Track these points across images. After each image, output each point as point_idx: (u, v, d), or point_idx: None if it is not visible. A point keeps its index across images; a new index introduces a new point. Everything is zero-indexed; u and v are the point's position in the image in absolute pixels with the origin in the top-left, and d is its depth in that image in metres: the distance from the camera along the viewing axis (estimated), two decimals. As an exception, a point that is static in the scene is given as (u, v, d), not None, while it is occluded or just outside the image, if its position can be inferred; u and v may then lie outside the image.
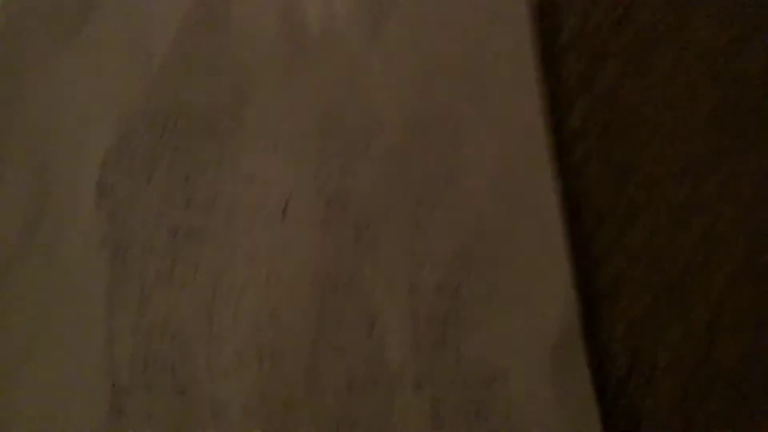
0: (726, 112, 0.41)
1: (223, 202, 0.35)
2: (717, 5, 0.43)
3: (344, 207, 0.36)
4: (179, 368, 0.31)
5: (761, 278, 0.37)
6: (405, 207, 0.36)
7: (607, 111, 0.40)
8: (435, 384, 0.33)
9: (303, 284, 0.34)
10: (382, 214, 0.36)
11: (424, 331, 0.34)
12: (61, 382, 0.31)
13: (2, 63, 0.37)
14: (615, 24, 0.43)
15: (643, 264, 0.37)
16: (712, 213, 0.39)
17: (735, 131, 0.40)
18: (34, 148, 0.34)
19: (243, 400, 0.31)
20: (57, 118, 0.35)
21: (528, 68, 0.39)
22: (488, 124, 0.38)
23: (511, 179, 0.37)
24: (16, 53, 0.37)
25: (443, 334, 0.34)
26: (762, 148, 0.40)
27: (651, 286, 0.37)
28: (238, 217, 0.35)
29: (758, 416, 0.34)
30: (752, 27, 0.42)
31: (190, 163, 0.35)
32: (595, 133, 0.40)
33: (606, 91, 0.41)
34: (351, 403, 0.32)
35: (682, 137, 0.40)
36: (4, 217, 0.33)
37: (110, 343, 0.31)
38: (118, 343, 0.31)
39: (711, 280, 0.37)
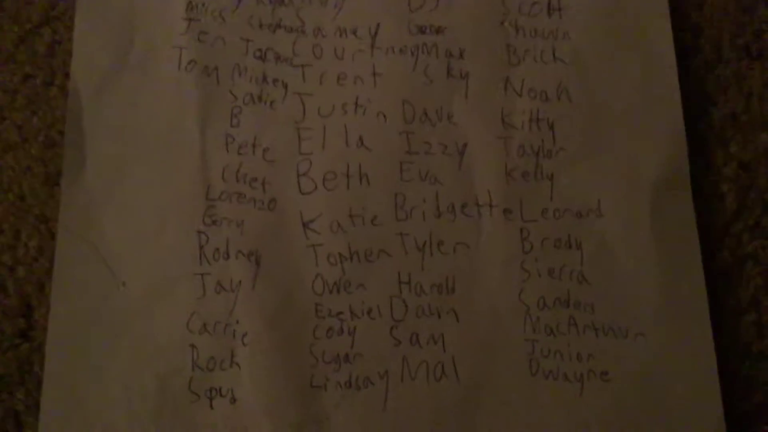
0: None
1: (311, 26, 0.34)
2: None
3: (436, 34, 0.34)
4: (269, 182, 0.32)
5: None
6: (501, 35, 0.34)
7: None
8: (524, 212, 0.32)
9: (392, 112, 0.33)
10: (475, 42, 0.34)
11: (516, 161, 0.33)
12: (158, 192, 0.32)
13: None
14: None
15: (763, 103, 0.34)
16: None
17: None
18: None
19: (331, 215, 0.32)
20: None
21: None
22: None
23: (619, 8, 0.34)
24: None
25: (536, 165, 0.33)
26: None
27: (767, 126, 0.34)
28: (326, 42, 0.34)
29: None
30: None
31: (278, -13, 0.35)
32: (717, -37, 0.36)
33: None
34: (438, 225, 0.32)
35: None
36: (98, 40, 0.33)
37: (203, 157, 0.32)
38: (211, 157, 0.32)
39: (840, 124, 0.34)
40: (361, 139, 0.33)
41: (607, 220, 0.32)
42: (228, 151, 0.32)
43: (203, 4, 0.34)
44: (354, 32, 0.34)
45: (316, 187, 0.32)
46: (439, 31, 0.34)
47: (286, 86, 0.33)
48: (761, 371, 0.31)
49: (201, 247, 0.31)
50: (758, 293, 0.32)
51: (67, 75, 0.33)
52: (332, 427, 0.29)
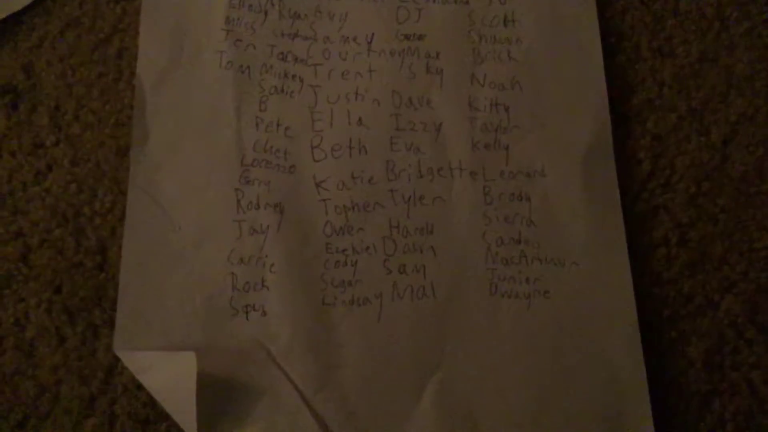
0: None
1: (321, 35, 0.44)
2: None
3: (418, 40, 0.44)
4: (290, 152, 0.41)
5: (778, 106, 0.43)
6: (468, 41, 0.44)
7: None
8: (486, 174, 0.41)
9: (384, 99, 0.43)
10: (448, 46, 0.44)
11: (480, 136, 0.42)
12: (204, 159, 0.41)
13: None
14: None
15: (672, 91, 0.44)
16: (735, 57, 0.44)
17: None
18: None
19: (337, 177, 0.41)
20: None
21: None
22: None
23: (559, 20, 0.44)
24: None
25: (495, 138, 0.42)
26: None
27: (676, 109, 0.43)
28: (333, 47, 0.44)
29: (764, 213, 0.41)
30: None
31: (296, 6, 0.44)
32: (637, -15, 0.46)
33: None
34: (420, 184, 0.41)
35: (716, -12, 0.46)
36: (157, 45, 0.43)
37: (239, 133, 0.41)
38: (245, 134, 0.41)
39: (730, 108, 0.43)
40: (360, 119, 0.42)
41: (549, 180, 0.41)
42: (258, 129, 0.42)
43: (238, 18, 0.43)
44: (354, 39, 0.44)
45: (326, 156, 0.41)
46: (420, 38, 0.44)
47: (302, 80, 0.43)
48: (669, 293, 0.40)
49: (238, 201, 0.40)
50: (668, 233, 0.41)
51: (132, 73, 0.43)
52: (338, 334, 0.38)
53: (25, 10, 0.44)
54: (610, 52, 0.44)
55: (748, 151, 0.42)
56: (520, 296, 0.39)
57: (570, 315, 0.39)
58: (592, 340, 0.38)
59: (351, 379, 0.38)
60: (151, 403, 0.37)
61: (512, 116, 0.42)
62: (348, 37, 0.44)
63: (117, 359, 0.38)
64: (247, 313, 0.38)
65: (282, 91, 0.43)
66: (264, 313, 0.38)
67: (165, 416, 0.37)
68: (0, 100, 0.43)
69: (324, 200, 0.41)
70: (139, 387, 0.37)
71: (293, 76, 0.43)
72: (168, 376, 0.36)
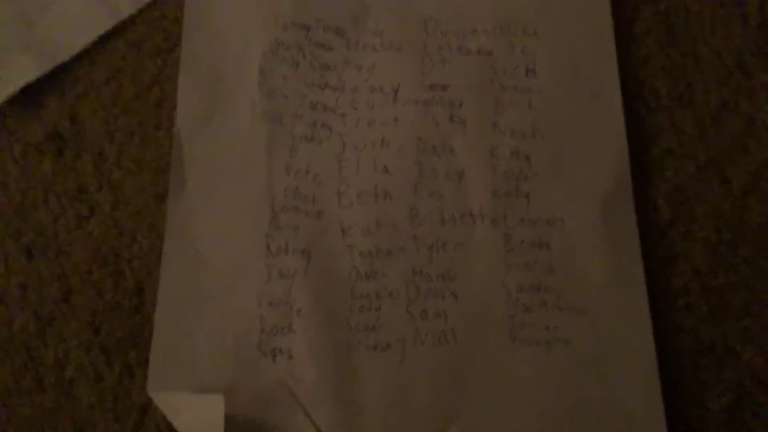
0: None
1: (350, 86, 0.46)
2: None
3: (442, 90, 0.45)
4: (317, 198, 0.43)
5: (800, 155, 0.43)
6: (490, 91, 0.45)
7: (672, 15, 0.47)
8: (507, 221, 0.42)
9: (408, 147, 0.44)
10: (471, 96, 0.45)
11: (501, 183, 0.43)
12: (237, 205, 0.43)
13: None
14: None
15: (691, 140, 0.44)
16: (755, 106, 0.45)
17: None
18: (213, 45, 0.46)
19: (362, 224, 0.42)
20: (230, 23, 0.47)
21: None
22: (561, 28, 0.46)
23: (579, 69, 0.45)
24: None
25: (516, 186, 0.43)
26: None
27: (696, 158, 0.44)
28: (360, 97, 0.46)
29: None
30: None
31: (326, 58, 0.46)
32: (657, 34, 0.47)
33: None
34: (442, 231, 0.42)
35: (733, 38, 0.46)
36: (194, 95, 0.45)
37: (270, 180, 0.43)
38: (275, 180, 0.43)
39: (750, 158, 0.44)
40: (385, 167, 0.44)
41: (569, 227, 0.42)
42: (288, 176, 0.43)
43: (271, 70, 0.46)
44: (381, 89, 0.45)
45: (352, 203, 0.43)
46: (444, 88, 0.45)
47: (331, 129, 0.45)
48: (689, 342, 0.40)
49: (268, 246, 0.42)
50: (688, 282, 0.41)
51: (170, 122, 0.45)
52: (362, 378, 0.39)
53: (72, 61, 0.47)
54: (630, 100, 0.45)
55: (769, 200, 0.42)
56: (540, 343, 0.40)
57: (590, 363, 0.39)
58: (611, 389, 0.39)
59: (373, 422, 0.39)
60: (182, 441, 0.39)
61: (533, 164, 0.44)
62: (375, 88, 0.46)
63: (150, 399, 0.39)
64: (274, 356, 0.40)
65: (312, 139, 0.44)
66: (290, 357, 0.40)
67: (195, 455, 0.38)
68: (47, 147, 0.45)
69: (349, 246, 0.42)
70: (171, 427, 0.39)
71: (322, 125, 0.45)
72: (197, 418, 0.38)
